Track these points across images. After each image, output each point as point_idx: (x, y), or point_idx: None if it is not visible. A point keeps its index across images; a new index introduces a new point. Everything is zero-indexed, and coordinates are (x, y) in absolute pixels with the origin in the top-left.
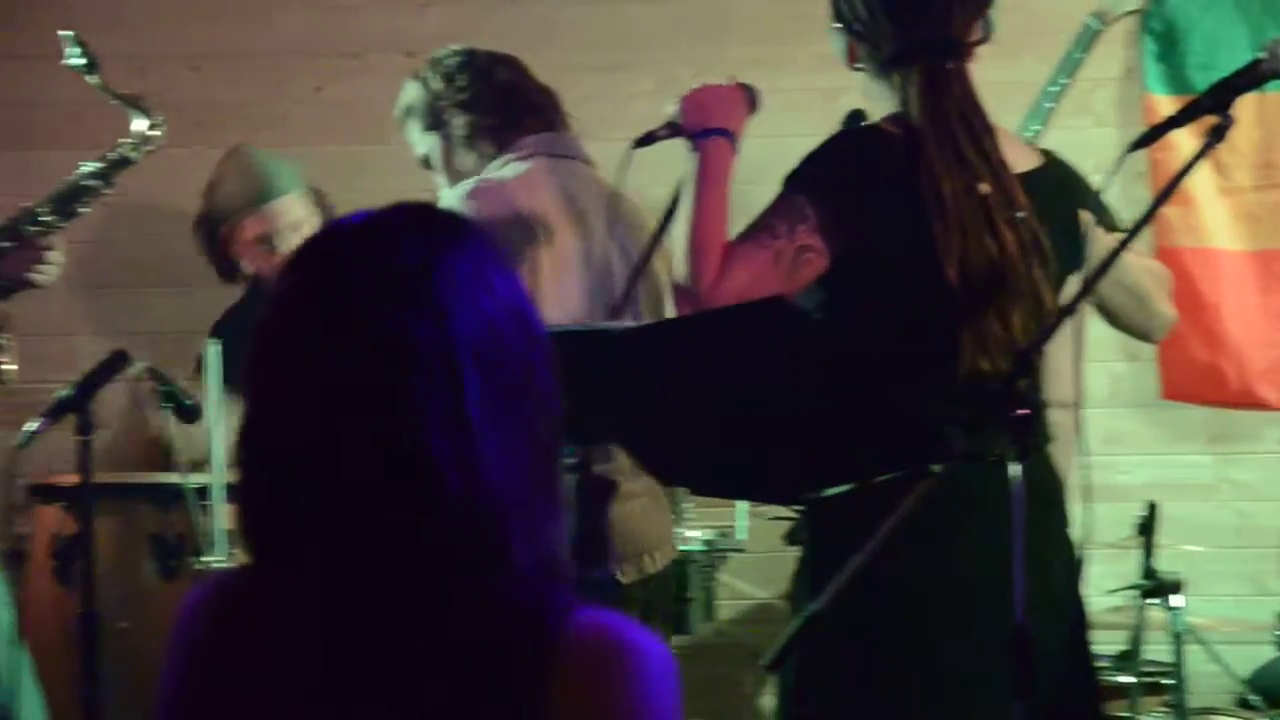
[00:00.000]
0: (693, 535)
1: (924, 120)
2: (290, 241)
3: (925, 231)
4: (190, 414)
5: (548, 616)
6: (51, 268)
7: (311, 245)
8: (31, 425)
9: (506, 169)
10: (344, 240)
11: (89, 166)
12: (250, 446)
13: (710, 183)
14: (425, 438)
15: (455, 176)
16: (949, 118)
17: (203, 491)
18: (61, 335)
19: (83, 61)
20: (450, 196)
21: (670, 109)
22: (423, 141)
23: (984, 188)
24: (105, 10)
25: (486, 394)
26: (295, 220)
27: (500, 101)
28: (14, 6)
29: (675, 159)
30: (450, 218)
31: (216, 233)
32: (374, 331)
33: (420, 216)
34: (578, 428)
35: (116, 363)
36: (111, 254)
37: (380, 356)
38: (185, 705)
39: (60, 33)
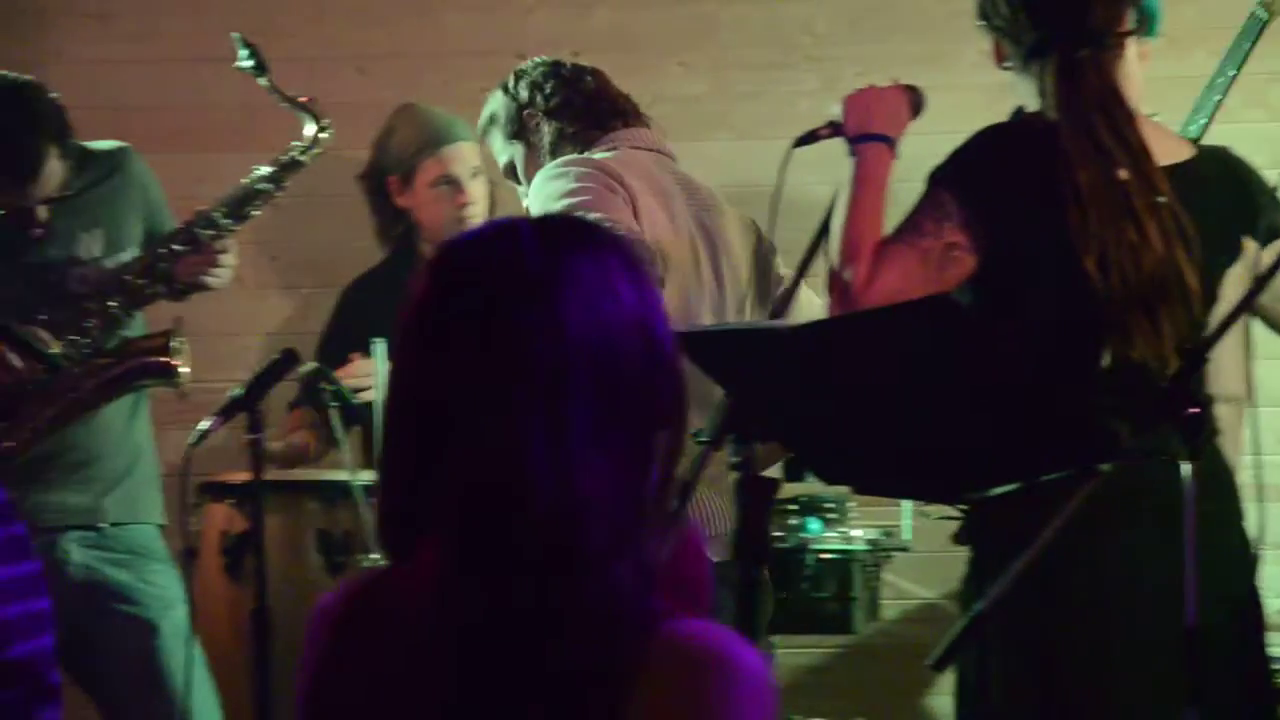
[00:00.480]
0: (857, 534)
1: (1059, 109)
2: (471, 187)
3: (1065, 223)
4: (357, 414)
5: (637, 626)
6: (225, 270)
7: (445, 249)
8: (203, 424)
9: (594, 155)
10: (476, 244)
11: (262, 170)
12: (384, 444)
13: (866, 188)
14: (523, 443)
15: None
16: (1085, 106)
17: (370, 488)
18: (232, 335)
19: (252, 64)
20: (542, 175)
21: (834, 109)
22: (506, 150)
23: (1122, 174)
24: (272, 12)
25: (594, 404)
26: (474, 166)
27: (586, 108)
28: (185, 10)
29: (838, 157)
30: (584, 226)
31: (384, 183)
32: (490, 335)
33: (553, 224)
34: (738, 427)
35: (286, 362)
36: (283, 255)
37: (492, 360)
38: (311, 708)
39: (231, 35)
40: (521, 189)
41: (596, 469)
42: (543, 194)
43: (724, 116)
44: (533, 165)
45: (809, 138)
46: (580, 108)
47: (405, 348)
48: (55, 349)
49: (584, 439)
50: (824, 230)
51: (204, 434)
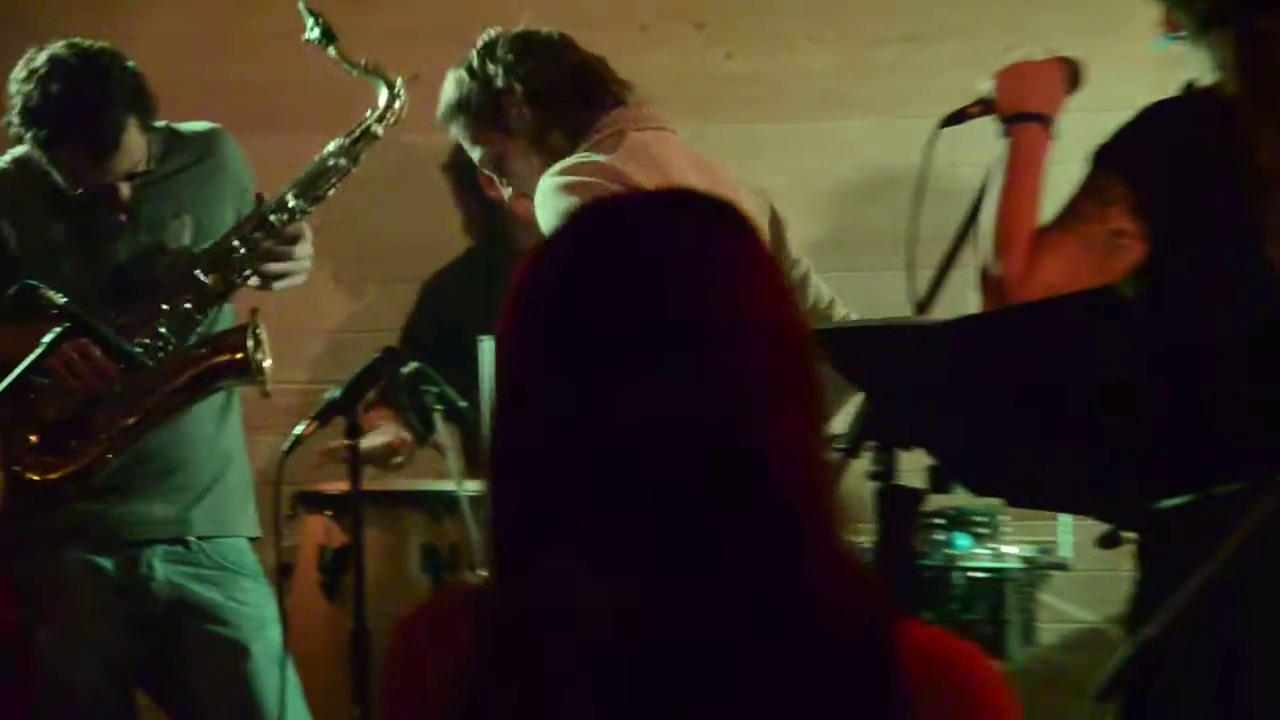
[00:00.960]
0: (1010, 552)
1: (1240, 83)
2: None
3: (1244, 208)
4: (463, 418)
5: (879, 623)
6: (302, 260)
7: (593, 212)
8: (298, 429)
9: (598, 151)
10: (629, 208)
11: (333, 144)
12: (505, 440)
13: (1021, 172)
14: (714, 428)
15: (516, 180)
16: (1267, 81)
17: (478, 500)
18: (290, 332)
19: (319, 33)
20: (549, 188)
21: (983, 85)
22: (480, 143)
23: None
24: None
25: (777, 385)
26: None
27: (573, 86)
28: None
29: (989, 138)
30: (724, 204)
31: (474, 174)
32: (657, 313)
33: (700, 201)
34: (880, 432)
35: (387, 361)
36: (381, 243)
37: (662, 339)
38: None
39: (299, 5)
40: (506, 185)
41: (792, 452)
42: (551, 211)
43: (858, 94)
44: (518, 159)
45: (956, 117)
46: (566, 87)
47: (530, 335)
48: (134, 346)
49: (775, 418)
50: (972, 219)
51: (298, 439)
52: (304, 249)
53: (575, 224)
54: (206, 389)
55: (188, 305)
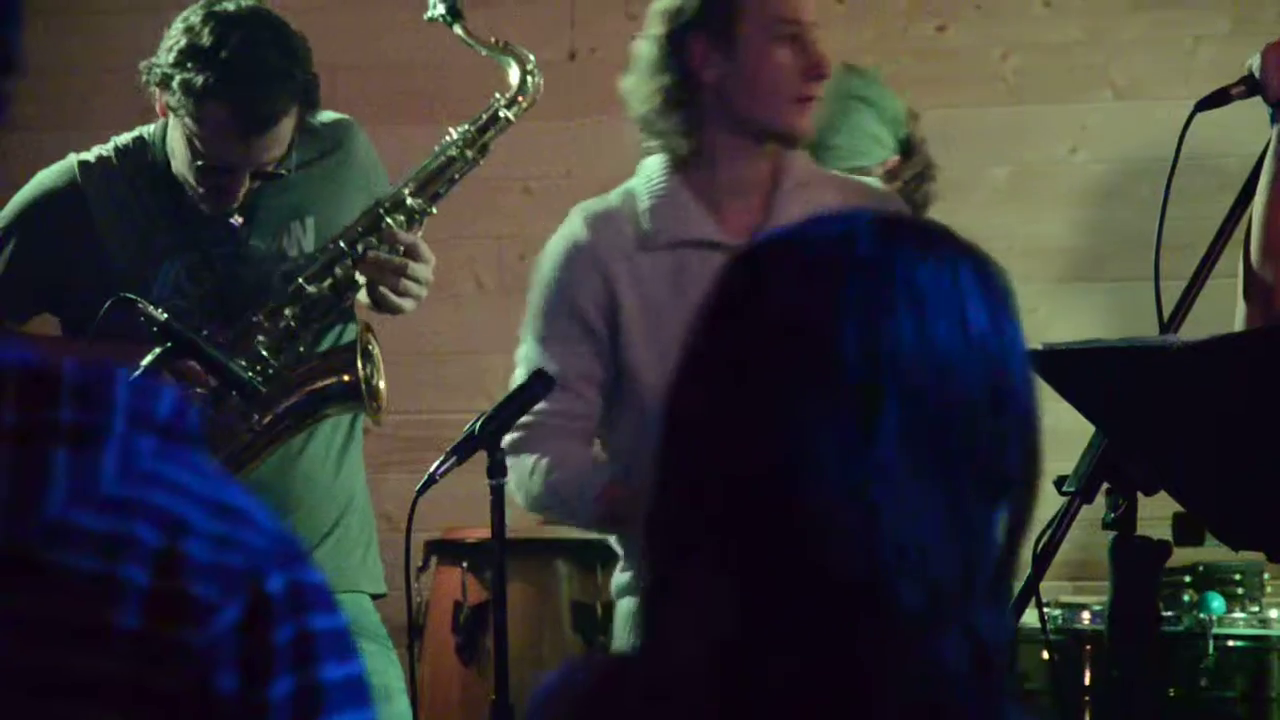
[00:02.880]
0: (1273, 617)
1: None
2: None
3: None
4: None
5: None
6: (422, 272)
7: (766, 239)
8: (433, 467)
9: None
10: (801, 235)
11: (457, 133)
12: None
13: None
14: (819, 466)
15: None
16: None
17: None
18: (466, 354)
19: (442, 9)
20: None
21: (1251, 61)
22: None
23: None
24: None
25: (910, 439)
26: None
27: None
28: None
29: (1256, 123)
30: (934, 229)
31: None
32: (793, 341)
33: (896, 222)
34: (1116, 473)
35: (537, 388)
36: (531, 252)
37: (792, 369)
38: None
39: None
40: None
41: (909, 511)
42: None
43: (1103, 70)
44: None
45: (1217, 98)
46: None
47: (693, 364)
48: (247, 373)
49: (895, 477)
50: (1236, 217)
51: (432, 479)
52: (422, 269)
53: (755, 244)
54: (309, 419)
55: (289, 320)
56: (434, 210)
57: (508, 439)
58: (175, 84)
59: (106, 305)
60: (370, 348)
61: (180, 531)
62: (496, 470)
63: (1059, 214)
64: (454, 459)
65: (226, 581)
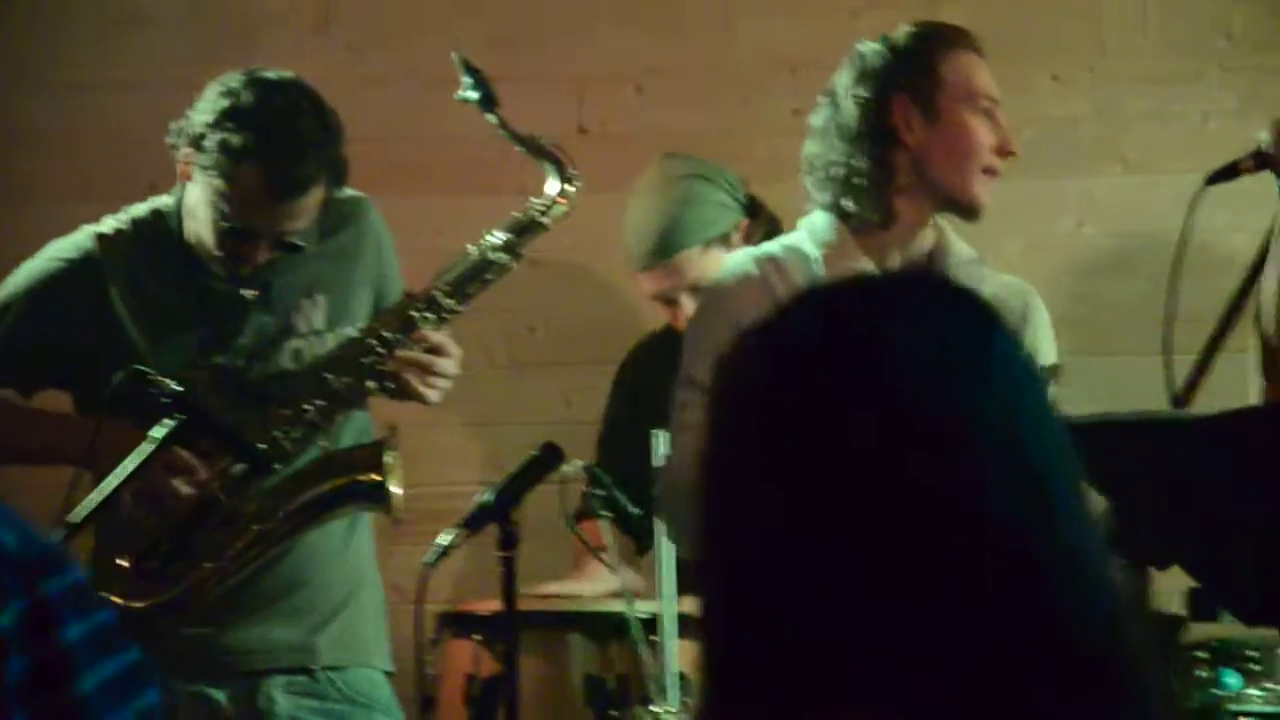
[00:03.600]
0: None
1: None
2: (687, 305)
3: None
4: (634, 527)
5: None
6: (448, 367)
7: (817, 304)
8: (444, 538)
9: None
10: (866, 296)
11: (494, 237)
12: (720, 551)
13: None
14: (1004, 536)
15: None
16: None
17: (650, 623)
18: (480, 425)
19: (476, 95)
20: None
21: (1260, 135)
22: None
23: None
24: (535, 20)
25: (1061, 486)
26: (696, 279)
27: None
28: (424, 21)
29: (1265, 198)
30: (927, 282)
31: None
32: (917, 406)
33: (884, 284)
34: (1128, 547)
35: (547, 460)
36: (544, 324)
37: (929, 435)
38: None
39: (452, 55)
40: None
41: (1083, 573)
42: None
43: (1112, 144)
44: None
45: (1227, 172)
46: None
47: (766, 428)
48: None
49: (1067, 525)
50: (1246, 292)
51: (444, 551)
52: (448, 365)
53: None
54: (330, 513)
55: (311, 411)
56: (463, 310)
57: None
58: (210, 144)
59: (118, 376)
60: (392, 450)
61: None
62: (508, 542)
63: (1066, 287)
64: (465, 531)
65: None
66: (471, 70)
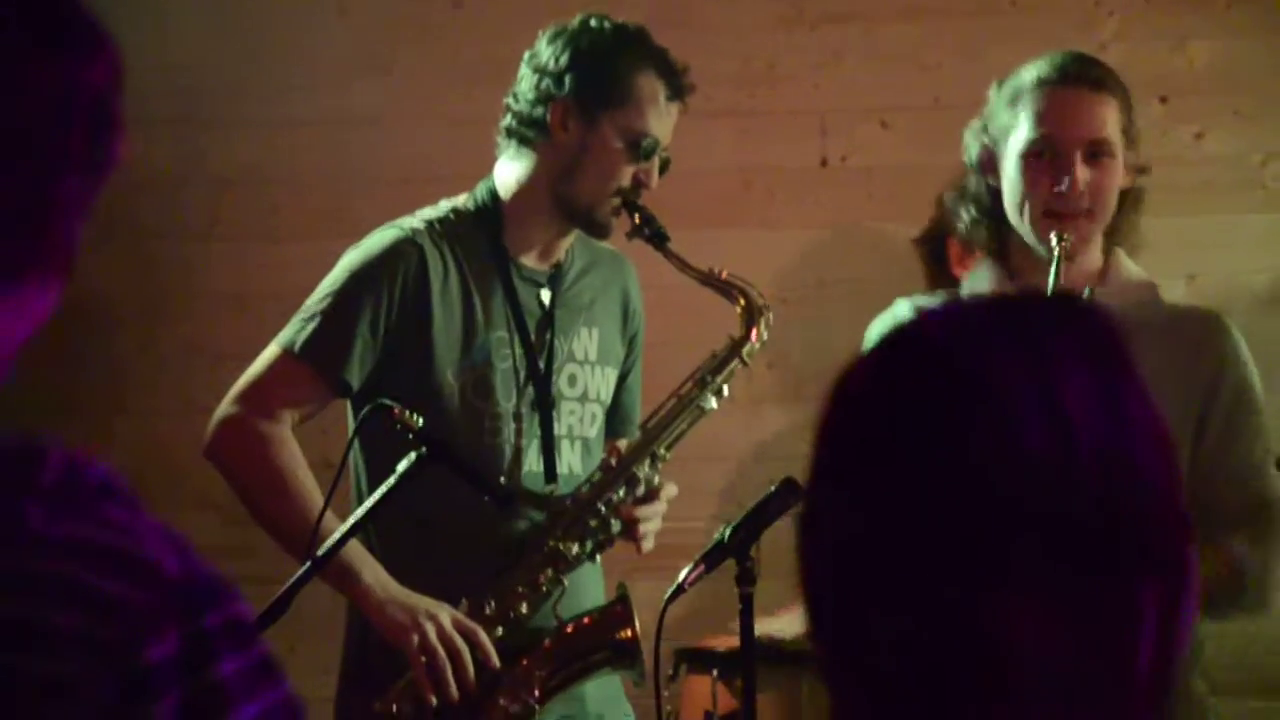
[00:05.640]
0: None
1: None
2: None
3: None
4: None
5: None
6: (658, 518)
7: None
8: (682, 574)
9: None
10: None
11: (700, 389)
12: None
13: None
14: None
15: None
16: None
17: None
18: (716, 459)
19: (648, 232)
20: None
21: None
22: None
23: None
24: (777, 50)
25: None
26: None
27: None
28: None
29: None
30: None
31: (944, 246)
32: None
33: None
34: None
35: (786, 496)
36: (779, 361)
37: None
38: None
39: (614, 200)
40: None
41: (1027, 613)
42: None
43: None
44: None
45: None
46: None
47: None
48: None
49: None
50: None
51: (681, 587)
52: (660, 508)
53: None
54: (588, 673)
55: (547, 581)
56: (669, 456)
57: None
58: (598, 77)
59: (365, 410)
60: (627, 599)
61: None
62: (746, 579)
63: None
64: (703, 567)
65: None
66: (638, 209)
